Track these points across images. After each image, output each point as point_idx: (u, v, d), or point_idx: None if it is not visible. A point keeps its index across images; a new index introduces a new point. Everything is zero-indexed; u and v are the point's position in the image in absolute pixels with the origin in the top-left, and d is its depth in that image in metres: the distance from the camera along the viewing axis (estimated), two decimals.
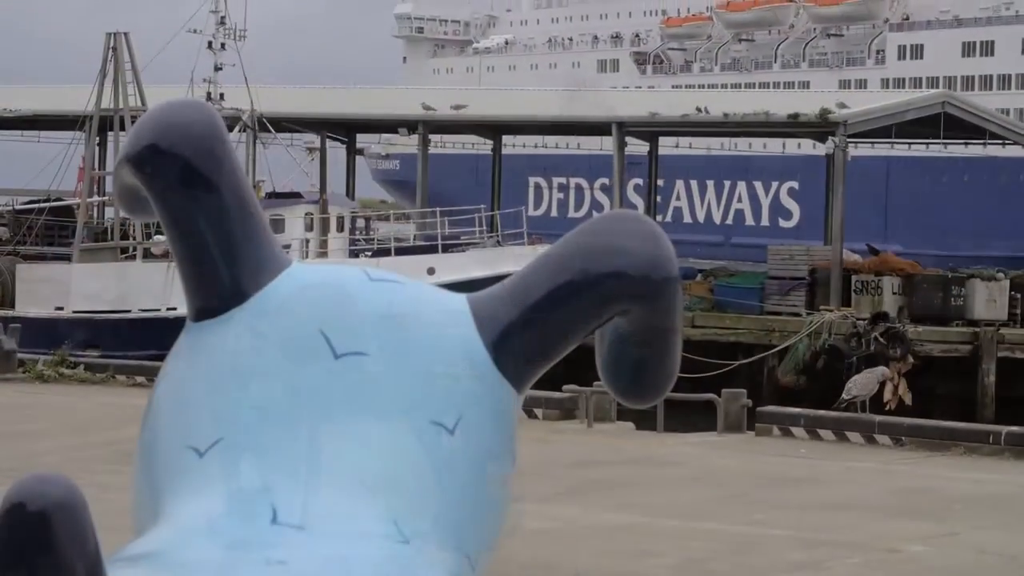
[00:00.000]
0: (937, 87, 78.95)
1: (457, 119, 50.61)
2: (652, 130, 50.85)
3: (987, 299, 39.30)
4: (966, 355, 38.67)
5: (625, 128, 47.79)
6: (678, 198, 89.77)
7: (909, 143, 54.60)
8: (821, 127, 44.64)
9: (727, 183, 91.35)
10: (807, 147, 73.67)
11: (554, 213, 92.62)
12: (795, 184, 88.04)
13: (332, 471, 2.95)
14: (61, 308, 39.11)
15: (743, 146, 79.21)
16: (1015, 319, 40.03)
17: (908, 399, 34.71)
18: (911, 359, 36.78)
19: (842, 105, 44.63)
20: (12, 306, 39.46)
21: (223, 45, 43.81)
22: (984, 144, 51.89)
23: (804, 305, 40.26)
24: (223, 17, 44.14)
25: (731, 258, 62.92)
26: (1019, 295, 40.31)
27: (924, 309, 39.25)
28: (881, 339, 36.94)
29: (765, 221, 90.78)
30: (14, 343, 28.19)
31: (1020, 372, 38.45)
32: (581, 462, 19.55)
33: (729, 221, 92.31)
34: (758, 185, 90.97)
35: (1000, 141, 50.93)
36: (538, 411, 23.30)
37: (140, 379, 26.61)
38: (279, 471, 2.92)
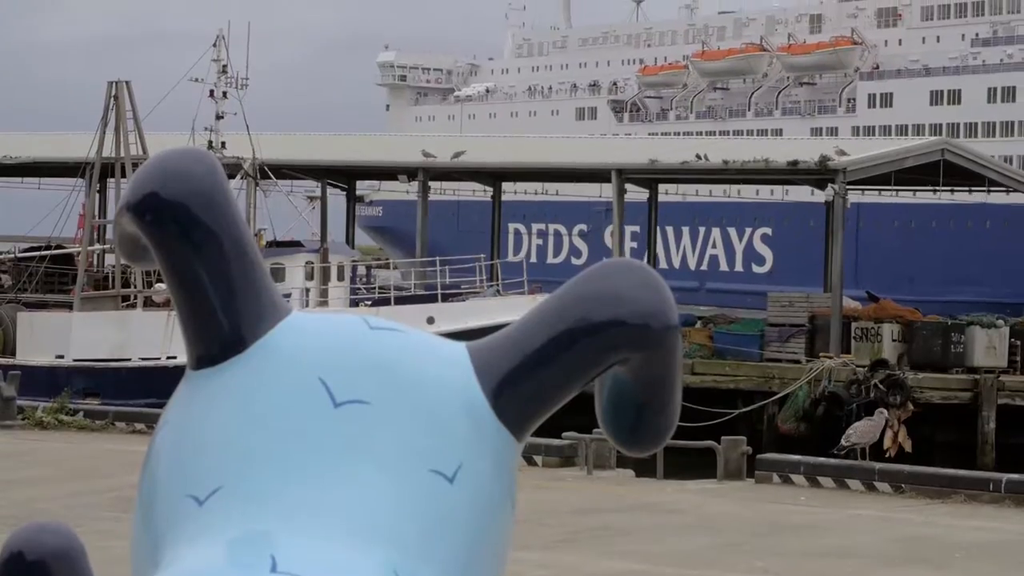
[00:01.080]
0: (906, 135, 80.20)
1: (457, 166, 50.73)
2: (652, 177, 50.99)
3: (987, 346, 39.32)
4: (966, 402, 38.65)
5: (625, 175, 47.91)
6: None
7: (908, 190, 54.80)
8: (820, 174, 44.79)
9: (702, 229, 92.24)
10: (779, 193, 74.68)
11: (533, 259, 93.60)
12: (768, 230, 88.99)
13: (332, 520, 2.96)
14: (62, 356, 39.11)
15: (718, 192, 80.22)
16: (1015, 366, 40.04)
17: (908, 446, 34.66)
18: (911, 406, 36.76)
19: (841, 152, 44.77)
20: (13, 354, 39.46)
21: (225, 94, 43.95)
22: (993, 191, 52.08)
23: (804, 352, 40.28)
24: (225, 66, 44.30)
25: (705, 303, 63.32)
26: (1019, 342, 40.34)
27: (924, 356, 39.26)
28: (881, 386, 36.93)
29: (739, 267, 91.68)
30: (13, 390, 28.18)
31: (1020, 419, 38.41)
32: (581, 509, 19.52)
33: (704, 267, 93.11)
34: (732, 231, 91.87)
35: (999, 188, 51.04)
36: (538, 458, 23.27)
37: (139, 426, 26.60)
38: (279, 519, 2.93)
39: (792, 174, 47.38)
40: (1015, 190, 50.46)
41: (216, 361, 3.16)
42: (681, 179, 55.40)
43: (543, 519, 17.37)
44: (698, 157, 46.53)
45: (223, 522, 2.92)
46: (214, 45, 44.47)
